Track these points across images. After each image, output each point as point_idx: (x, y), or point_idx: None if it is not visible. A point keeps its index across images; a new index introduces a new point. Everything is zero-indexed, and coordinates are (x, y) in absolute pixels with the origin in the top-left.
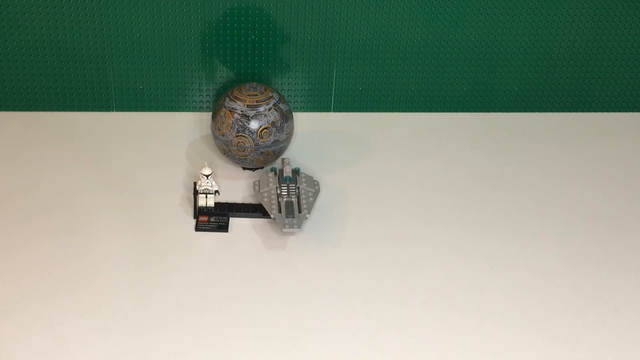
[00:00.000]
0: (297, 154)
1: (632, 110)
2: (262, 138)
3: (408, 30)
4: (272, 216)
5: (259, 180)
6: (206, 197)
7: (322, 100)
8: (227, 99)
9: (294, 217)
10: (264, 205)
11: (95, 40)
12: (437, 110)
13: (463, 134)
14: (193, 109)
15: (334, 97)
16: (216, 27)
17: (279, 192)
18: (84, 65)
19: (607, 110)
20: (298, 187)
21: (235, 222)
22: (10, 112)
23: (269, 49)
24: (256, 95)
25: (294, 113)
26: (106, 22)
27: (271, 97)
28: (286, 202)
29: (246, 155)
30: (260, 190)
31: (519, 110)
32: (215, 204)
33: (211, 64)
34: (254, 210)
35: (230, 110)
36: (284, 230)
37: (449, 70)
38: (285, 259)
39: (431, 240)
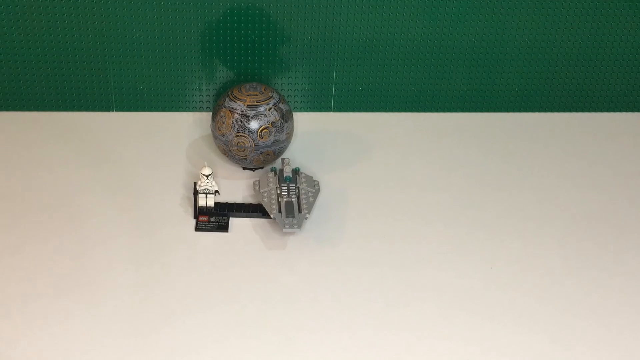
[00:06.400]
0: (297, 154)
1: (632, 110)
2: (262, 138)
3: (408, 30)
4: (272, 216)
5: (259, 180)
6: (206, 197)
7: (322, 100)
8: (227, 99)
9: (294, 217)
10: (264, 205)
11: (95, 40)
12: (437, 110)
13: (463, 134)
14: (193, 109)
15: (334, 97)
16: (216, 27)
17: (279, 192)
18: (84, 65)
19: (607, 110)
20: (298, 187)
21: (235, 222)
22: (10, 112)
23: (269, 49)
24: (256, 95)
25: (294, 113)
26: (106, 22)
27: (271, 97)
28: (286, 202)
29: (246, 155)
30: (260, 190)
31: (519, 110)
32: (215, 204)
33: (211, 64)
34: (254, 210)
35: (230, 110)
36: (284, 230)
37: (449, 70)
38: (285, 259)
39: (431, 240)
